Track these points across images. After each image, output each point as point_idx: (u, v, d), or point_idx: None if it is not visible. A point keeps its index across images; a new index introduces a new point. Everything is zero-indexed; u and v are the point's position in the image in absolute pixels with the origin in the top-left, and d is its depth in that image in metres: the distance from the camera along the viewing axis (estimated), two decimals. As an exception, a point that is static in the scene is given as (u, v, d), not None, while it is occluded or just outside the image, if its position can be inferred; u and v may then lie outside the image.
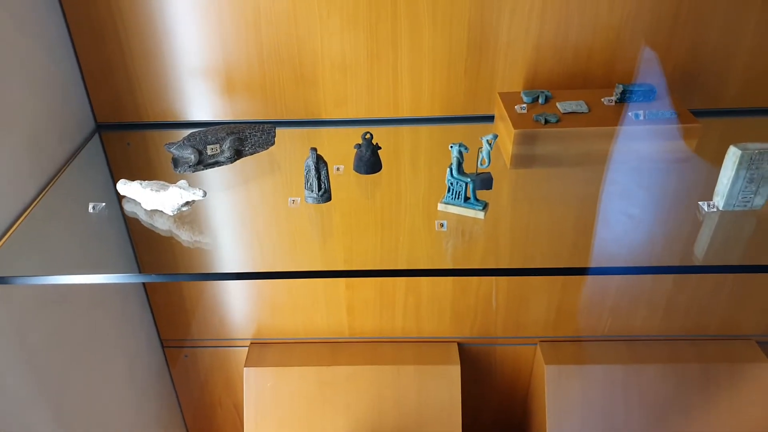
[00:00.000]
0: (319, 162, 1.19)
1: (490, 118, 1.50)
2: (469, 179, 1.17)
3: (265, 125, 1.40)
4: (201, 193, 1.18)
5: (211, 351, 2.04)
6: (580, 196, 1.31)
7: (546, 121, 1.28)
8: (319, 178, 1.21)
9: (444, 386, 1.90)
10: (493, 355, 2.03)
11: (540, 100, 1.37)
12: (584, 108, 1.33)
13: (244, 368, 1.93)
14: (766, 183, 1.13)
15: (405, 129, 1.55)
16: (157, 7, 1.39)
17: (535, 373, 2.02)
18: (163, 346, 2.02)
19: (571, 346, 1.97)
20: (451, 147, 1.15)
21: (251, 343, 2.01)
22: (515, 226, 1.25)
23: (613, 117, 1.30)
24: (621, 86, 1.35)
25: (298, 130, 1.55)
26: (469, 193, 1.18)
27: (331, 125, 1.55)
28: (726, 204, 1.16)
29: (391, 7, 1.38)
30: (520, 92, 1.40)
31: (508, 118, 1.32)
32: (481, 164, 1.24)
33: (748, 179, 1.12)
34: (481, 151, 1.23)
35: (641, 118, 1.29)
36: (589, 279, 1.84)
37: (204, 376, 2.11)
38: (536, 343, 1.99)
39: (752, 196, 1.14)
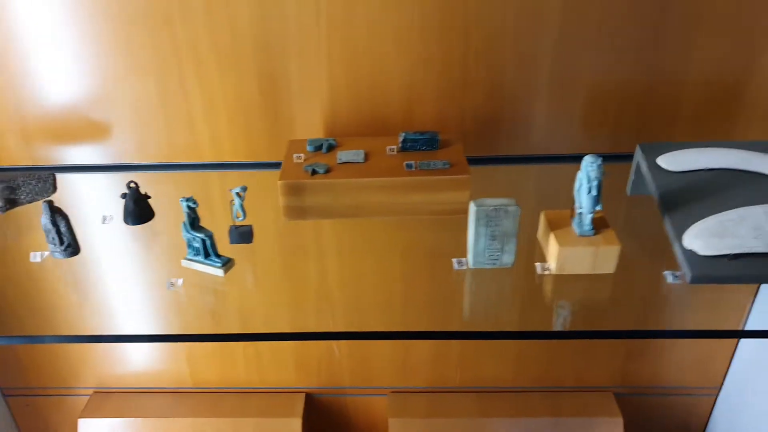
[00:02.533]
0: (55, 216, 1.13)
1: (293, 165, 1.45)
2: (203, 235, 1.11)
3: (42, 173, 1.34)
4: None
5: (55, 399, 1.96)
6: (343, 249, 1.26)
7: (314, 172, 1.23)
8: (59, 233, 1.15)
9: (283, 440, 1.82)
10: (344, 406, 1.95)
11: (323, 149, 1.32)
12: (361, 158, 1.27)
13: (79, 419, 1.85)
14: (510, 240, 1.07)
15: (212, 174, 1.50)
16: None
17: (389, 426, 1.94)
18: (4, 395, 1.94)
19: (421, 398, 1.89)
20: (181, 201, 1.10)
21: (94, 392, 1.94)
22: (284, 279, 1.20)
23: (387, 167, 1.25)
24: (403, 134, 1.30)
25: (100, 175, 1.50)
26: (209, 250, 1.12)
27: (135, 170, 1.50)
28: (475, 261, 1.10)
29: (173, 53, 1.34)
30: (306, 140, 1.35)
31: (283, 168, 1.27)
32: (236, 217, 1.19)
33: (490, 236, 1.06)
34: (233, 204, 1.17)
35: (414, 168, 1.24)
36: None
37: (52, 424, 2.02)
38: (387, 394, 1.91)
39: (499, 253, 1.08)
